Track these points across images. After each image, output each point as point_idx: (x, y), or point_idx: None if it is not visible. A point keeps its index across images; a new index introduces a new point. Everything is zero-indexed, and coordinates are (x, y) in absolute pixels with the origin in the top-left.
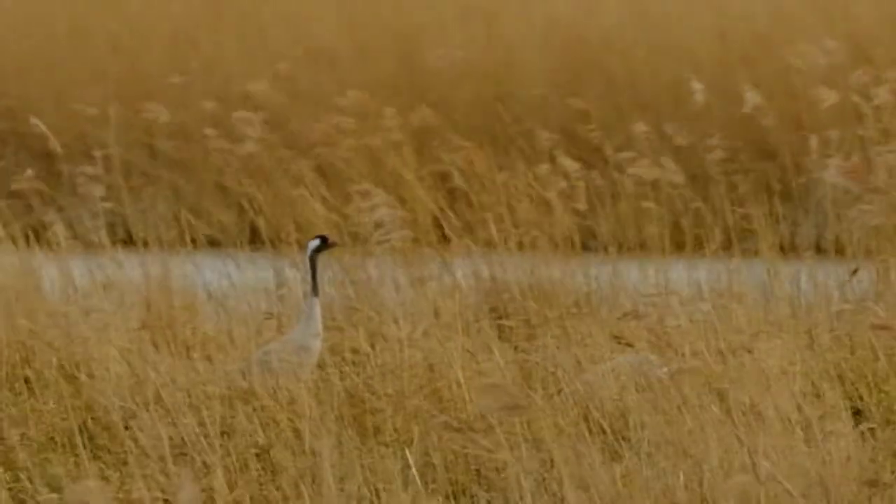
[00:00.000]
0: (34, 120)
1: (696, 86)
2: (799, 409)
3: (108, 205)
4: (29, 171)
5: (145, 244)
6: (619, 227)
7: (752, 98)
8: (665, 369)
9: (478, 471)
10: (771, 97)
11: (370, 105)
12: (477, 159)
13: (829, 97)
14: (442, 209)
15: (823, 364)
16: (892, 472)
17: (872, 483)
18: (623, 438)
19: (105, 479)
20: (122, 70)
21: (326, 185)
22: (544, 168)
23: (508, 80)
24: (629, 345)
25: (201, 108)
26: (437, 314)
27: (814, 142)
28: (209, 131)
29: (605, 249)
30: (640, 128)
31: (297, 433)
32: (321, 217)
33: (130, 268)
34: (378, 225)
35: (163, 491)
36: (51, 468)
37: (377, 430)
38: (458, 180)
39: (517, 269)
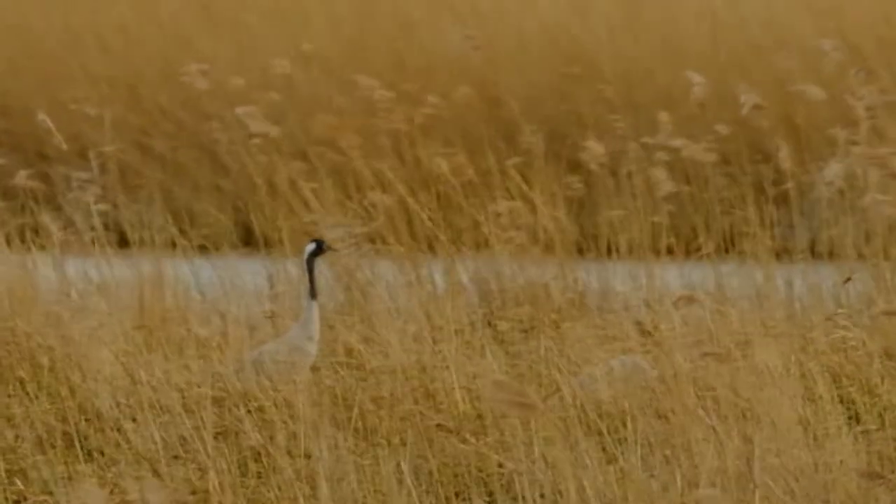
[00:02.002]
0: (42, 116)
1: (697, 79)
2: (794, 411)
3: (102, 206)
4: (23, 172)
5: (140, 245)
6: (611, 229)
7: (749, 99)
8: (656, 372)
9: (472, 473)
10: (764, 100)
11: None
12: (465, 163)
13: (820, 97)
14: (430, 215)
15: (818, 367)
16: (892, 472)
17: (870, 475)
18: (619, 440)
19: (99, 480)
20: (114, 71)
21: (319, 185)
22: (535, 170)
23: (499, 83)
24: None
25: (198, 107)
26: (429, 317)
27: (787, 148)
28: (214, 125)
29: (603, 252)
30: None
31: (293, 435)
32: (317, 217)
33: (124, 269)
34: (352, 236)
35: (157, 492)
36: (45, 469)
37: (371, 433)
38: (445, 185)
39: (509, 271)
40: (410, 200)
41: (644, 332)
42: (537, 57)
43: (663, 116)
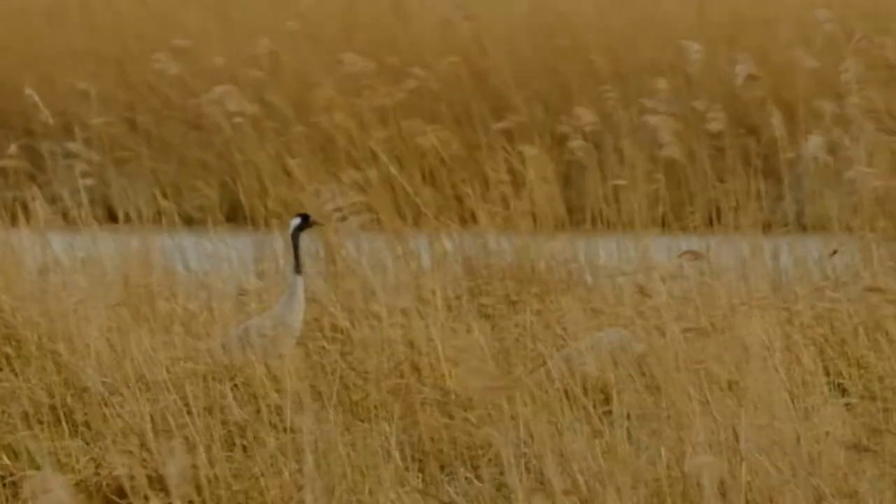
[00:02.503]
0: (28, 91)
1: (694, 46)
2: (779, 383)
3: (88, 181)
4: (12, 148)
5: (126, 220)
6: (599, 203)
7: (743, 69)
8: (642, 346)
9: (458, 446)
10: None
11: (359, 79)
12: (453, 138)
13: (813, 65)
14: (412, 187)
15: (804, 339)
16: (878, 444)
17: (856, 447)
18: (604, 414)
19: (86, 454)
20: (101, 47)
21: (306, 160)
22: (524, 145)
23: (487, 58)
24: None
25: (184, 83)
26: (417, 291)
27: (779, 118)
28: (197, 101)
29: (591, 225)
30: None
31: (279, 409)
32: (303, 194)
33: (110, 244)
34: (338, 210)
35: (144, 466)
36: (32, 444)
37: (357, 407)
38: (433, 159)
39: (497, 245)
40: (397, 174)
41: (645, 294)
42: (524, 32)
43: (661, 83)
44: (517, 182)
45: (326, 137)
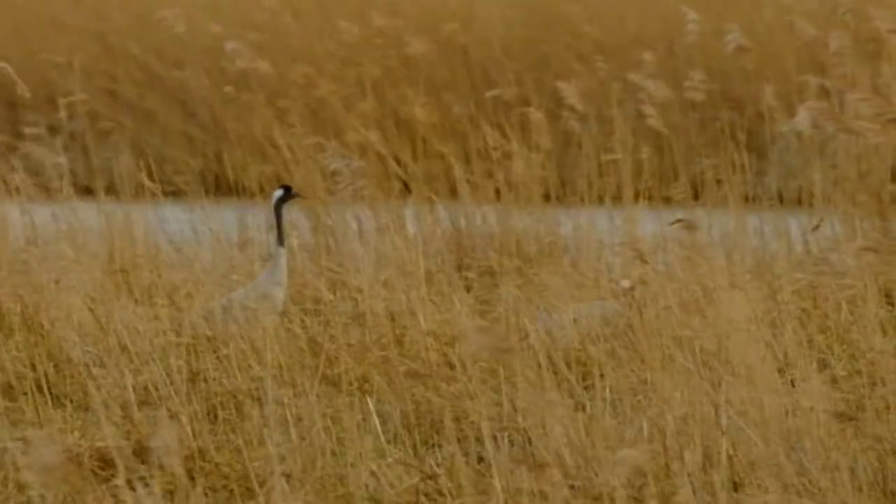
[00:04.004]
0: (2, 63)
1: (692, 16)
2: (762, 358)
3: (70, 153)
4: None
5: (109, 192)
6: (584, 176)
7: (733, 39)
8: (625, 318)
9: (441, 420)
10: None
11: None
12: (437, 110)
13: (811, 33)
14: (399, 159)
15: (787, 313)
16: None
17: (841, 416)
18: (588, 388)
19: (69, 426)
20: (84, 19)
21: (290, 131)
22: (509, 117)
23: (470, 31)
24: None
25: (169, 54)
26: (399, 264)
27: (775, 90)
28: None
29: (578, 198)
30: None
31: (261, 381)
32: (287, 161)
33: (93, 216)
34: (335, 174)
35: (128, 438)
36: (14, 416)
37: (339, 380)
38: (422, 130)
39: (481, 218)
40: (382, 145)
41: (643, 260)
42: (508, 7)
43: (647, 56)
44: (505, 154)
45: (316, 107)
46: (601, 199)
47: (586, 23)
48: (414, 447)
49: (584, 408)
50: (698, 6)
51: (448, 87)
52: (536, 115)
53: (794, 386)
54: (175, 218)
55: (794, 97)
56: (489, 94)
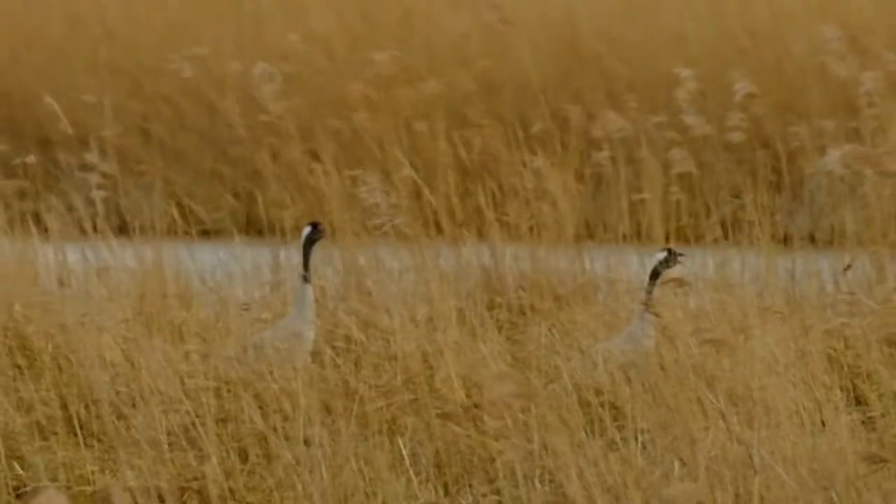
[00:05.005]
0: (48, 100)
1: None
2: (794, 399)
3: (103, 192)
4: (30, 157)
5: (140, 231)
6: (616, 216)
7: (742, 87)
8: (651, 342)
9: (471, 461)
10: (766, 87)
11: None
12: (470, 145)
13: (843, 74)
14: (431, 196)
15: (818, 353)
16: (894, 458)
17: (872, 458)
18: (619, 427)
19: (100, 466)
20: (117, 58)
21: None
22: (539, 157)
23: (500, 70)
24: (656, 315)
25: (197, 93)
26: (431, 302)
27: (806, 131)
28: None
29: (609, 237)
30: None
31: (293, 421)
32: (332, 194)
33: (125, 255)
34: (372, 210)
35: (159, 479)
36: (46, 456)
37: (370, 420)
38: (456, 167)
39: (512, 257)
40: (420, 183)
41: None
42: (540, 45)
43: (680, 93)
44: (538, 192)
45: (352, 139)
46: (630, 238)
47: (617, 61)
48: (445, 487)
49: (616, 447)
50: (727, 48)
51: (481, 122)
52: (550, 160)
53: (824, 426)
54: (207, 256)
55: (826, 137)
56: (533, 129)
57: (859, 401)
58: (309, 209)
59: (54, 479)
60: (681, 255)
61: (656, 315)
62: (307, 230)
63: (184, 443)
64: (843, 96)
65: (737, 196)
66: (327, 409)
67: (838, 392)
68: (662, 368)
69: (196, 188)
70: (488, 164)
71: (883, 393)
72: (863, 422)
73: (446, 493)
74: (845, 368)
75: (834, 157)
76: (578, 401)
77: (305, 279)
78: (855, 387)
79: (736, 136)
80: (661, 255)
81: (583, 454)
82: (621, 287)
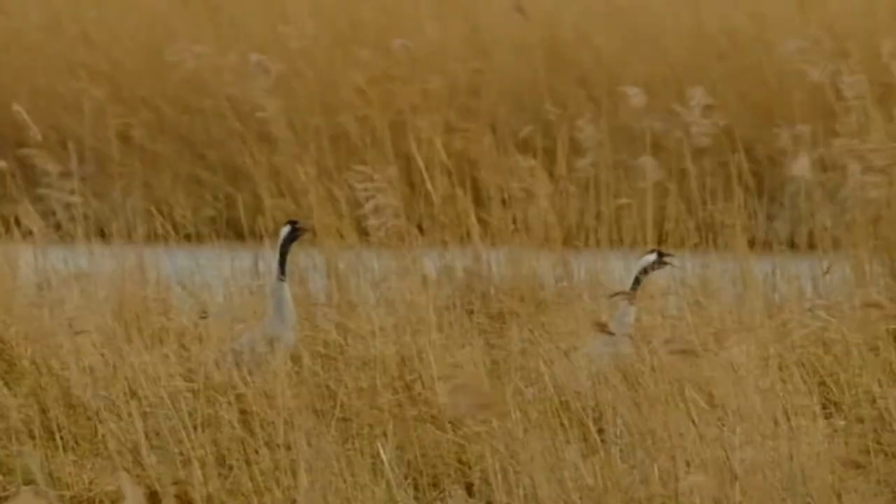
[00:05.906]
0: (16, 107)
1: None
2: (772, 404)
3: (79, 198)
4: (2, 163)
5: (119, 235)
6: (595, 221)
7: (698, 101)
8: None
9: (450, 464)
10: (745, 91)
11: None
12: (455, 148)
13: (819, 79)
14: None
15: (796, 359)
16: (870, 463)
17: (848, 463)
18: (598, 431)
19: (79, 470)
20: (95, 62)
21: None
22: (520, 161)
23: (482, 76)
24: (604, 330)
25: (177, 98)
26: (411, 306)
27: (786, 135)
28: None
29: (590, 242)
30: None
31: (272, 425)
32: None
33: (104, 259)
34: (376, 210)
35: (139, 483)
36: (25, 460)
37: (350, 424)
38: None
39: (493, 261)
40: (404, 183)
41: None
42: (518, 49)
43: (636, 102)
44: (520, 197)
45: (339, 137)
46: (611, 244)
47: (594, 67)
48: (423, 491)
49: (596, 452)
50: (707, 52)
51: (465, 124)
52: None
53: (802, 431)
54: (186, 261)
55: (804, 142)
56: (522, 132)
57: (838, 406)
58: (293, 210)
59: (32, 483)
60: (669, 256)
61: (627, 299)
62: (286, 229)
63: (163, 447)
64: (822, 100)
65: (709, 202)
66: (307, 413)
67: (816, 397)
68: (641, 373)
69: (176, 192)
70: (472, 168)
71: (861, 398)
72: (838, 431)
73: (424, 497)
74: (823, 373)
75: (802, 162)
76: (559, 404)
77: (280, 277)
78: (833, 391)
79: (703, 141)
80: (651, 257)
81: (561, 457)
82: (602, 291)
